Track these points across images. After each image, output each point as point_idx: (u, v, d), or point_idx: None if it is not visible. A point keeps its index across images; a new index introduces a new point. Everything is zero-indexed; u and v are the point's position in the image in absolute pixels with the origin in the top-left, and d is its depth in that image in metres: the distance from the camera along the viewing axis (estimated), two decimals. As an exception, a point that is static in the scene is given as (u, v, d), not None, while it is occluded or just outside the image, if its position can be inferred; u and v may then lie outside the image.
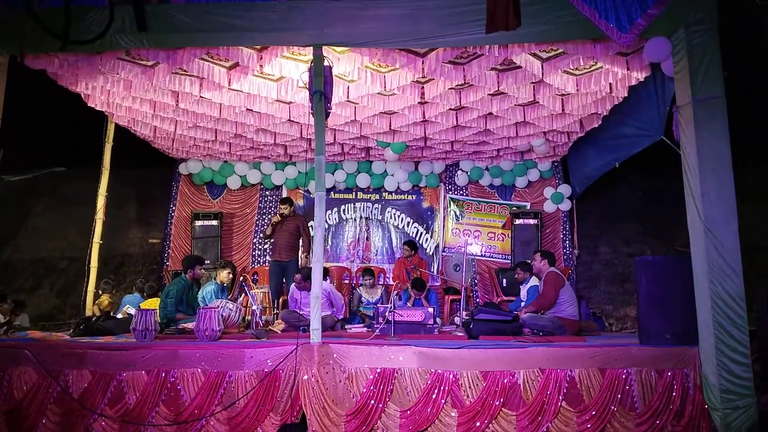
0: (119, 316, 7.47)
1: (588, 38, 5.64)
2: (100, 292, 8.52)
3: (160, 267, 10.12)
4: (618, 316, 9.35)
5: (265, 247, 10.15)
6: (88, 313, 8.15)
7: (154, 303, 7.27)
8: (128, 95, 7.39)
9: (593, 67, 6.57)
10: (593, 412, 4.93)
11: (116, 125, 8.53)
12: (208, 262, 8.90)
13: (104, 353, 5.36)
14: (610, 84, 6.78)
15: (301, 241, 8.44)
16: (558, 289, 6.47)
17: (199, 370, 5.19)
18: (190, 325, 6.25)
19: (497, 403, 4.96)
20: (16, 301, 8.16)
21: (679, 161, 5.26)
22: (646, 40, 5.43)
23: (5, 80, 5.84)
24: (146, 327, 5.81)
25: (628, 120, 7.48)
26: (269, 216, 8.48)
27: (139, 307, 6.73)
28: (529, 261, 7.35)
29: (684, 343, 5.14)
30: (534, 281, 7.24)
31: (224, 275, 7.53)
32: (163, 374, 5.18)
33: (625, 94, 6.94)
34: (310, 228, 8.43)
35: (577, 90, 6.86)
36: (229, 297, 7.45)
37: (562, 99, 7.46)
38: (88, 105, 7.54)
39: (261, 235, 10.06)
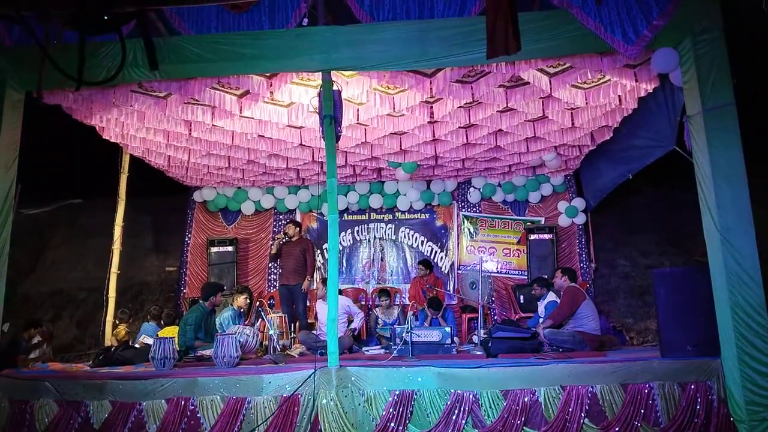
0: (137, 345, 7.50)
1: (595, 52, 5.66)
2: (117, 321, 8.57)
3: (177, 294, 10.17)
4: (639, 330, 9.23)
5: (281, 271, 10.17)
6: (107, 343, 8.19)
7: (172, 331, 7.29)
8: (142, 126, 7.50)
9: (601, 80, 6.58)
10: (617, 429, 4.85)
11: (131, 156, 8.66)
12: (225, 288, 8.93)
13: (124, 383, 5.38)
14: (619, 96, 6.77)
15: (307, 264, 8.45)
16: (575, 301, 6.42)
17: (218, 397, 5.18)
18: (208, 352, 6.27)
19: (519, 422, 4.89)
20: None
21: (693, 171, 5.23)
22: (653, 51, 5.44)
23: (22, 116, 5.95)
24: (165, 355, 5.84)
25: (640, 131, 7.45)
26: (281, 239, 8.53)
27: (157, 335, 6.76)
28: (546, 276, 7.31)
29: (706, 354, 5.06)
30: (552, 296, 7.19)
31: (241, 300, 7.54)
32: (183, 402, 5.18)
33: (635, 106, 6.93)
34: (325, 250, 8.47)
35: (587, 103, 6.87)
36: (246, 322, 7.45)
37: (571, 113, 7.46)
38: (103, 137, 7.65)
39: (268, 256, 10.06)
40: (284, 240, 8.48)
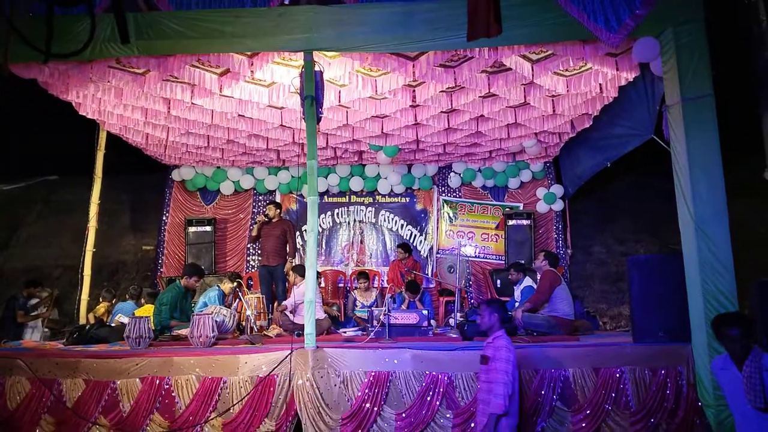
0: (112, 324, 7.45)
1: (577, 39, 5.67)
2: (101, 300, 8.49)
3: (153, 274, 10.09)
4: (612, 315, 9.39)
5: (259, 252, 10.14)
6: (82, 321, 8.12)
7: (147, 310, 7.25)
8: (119, 103, 7.38)
9: (583, 68, 6.61)
10: (588, 412, 4.95)
11: (108, 133, 8.52)
12: (208, 273, 8.89)
13: (98, 361, 5.36)
14: (600, 84, 6.82)
15: (287, 246, 8.42)
16: (553, 286, 6.48)
17: (194, 377, 5.18)
18: (184, 332, 6.24)
19: (492, 404, 4.96)
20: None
21: (670, 160, 5.30)
22: (635, 40, 5.47)
23: (-6, 90, 5.82)
24: (140, 334, 5.81)
25: (619, 120, 7.52)
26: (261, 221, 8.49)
27: (133, 314, 6.71)
28: (523, 261, 7.37)
29: (677, 340, 5.17)
30: (528, 281, 7.26)
31: (228, 287, 7.52)
32: (158, 381, 5.18)
33: (615, 95, 6.99)
34: (304, 232, 8.45)
35: (568, 91, 6.90)
36: (225, 303, 7.43)
37: (552, 100, 7.49)
38: (80, 113, 7.52)
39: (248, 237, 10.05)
40: (264, 221, 8.43)
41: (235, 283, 7.73)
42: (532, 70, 6.41)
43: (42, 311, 8.07)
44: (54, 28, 2.41)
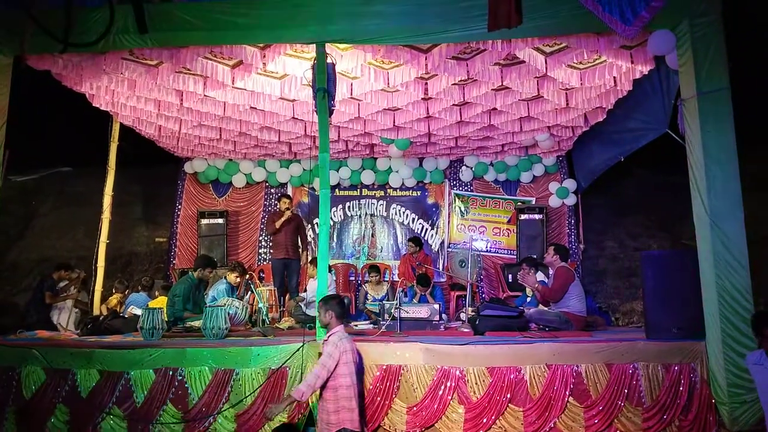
0: (125, 315, 7.50)
1: (592, 32, 5.62)
2: (114, 291, 8.56)
3: (166, 265, 10.15)
4: (624, 311, 9.33)
5: (271, 244, 10.15)
6: (96, 312, 8.18)
7: (161, 302, 7.30)
8: (132, 95, 7.41)
9: (597, 61, 6.55)
10: (600, 408, 4.92)
11: (121, 125, 8.55)
12: (217, 265, 8.90)
13: (112, 352, 5.39)
14: (614, 78, 6.75)
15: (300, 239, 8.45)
16: (567, 284, 6.44)
17: (207, 368, 5.20)
18: (197, 324, 6.28)
19: (504, 399, 4.95)
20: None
21: (685, 154, 5.24)
22: (650, 33, 5.40)
23: (9, 81, 5.85)
24: (153, 326, 5.84)
25: (633, 113, 7.45)
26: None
27: (147, 306, 6.75)
28: (535, 256, 7.33)
29: (691, 337, 5.12)
30: (540, 276, 7.22)
31: (232, 277, 7.54)
32: (171, 372, 5.21)
33: (630, 88, 6.93)
34: (316, 225, 8.48)
35: (582, 84, 6.84)
36: (236, 295, 7.46)
37: (566, 93, 7.43)
38: (93, 105, 7.56)
39: (266, 230, 10.03)
40: (289, 216, 8.35)
41: (247, 275, 7.75)
42: (546, 62, 6.36)
43: (72, 292, 8.17)
44: (71, 20, 2.42)
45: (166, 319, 6.29)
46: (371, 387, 5.05)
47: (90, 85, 7.08)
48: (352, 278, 9.97)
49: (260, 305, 6.69)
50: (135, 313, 6.99)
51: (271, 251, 9.13)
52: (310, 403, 4.99)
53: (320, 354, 4.69)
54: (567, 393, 4.95)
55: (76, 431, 5.16)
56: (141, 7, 5.29)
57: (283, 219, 8.33)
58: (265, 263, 10.15)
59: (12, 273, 9.68)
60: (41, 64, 6.07)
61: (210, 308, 6.02)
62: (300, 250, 8.34)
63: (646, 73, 6.43)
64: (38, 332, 6.79)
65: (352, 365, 4.58)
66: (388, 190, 10.56)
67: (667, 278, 5.50)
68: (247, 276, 7.74)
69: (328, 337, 4.66)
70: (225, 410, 5.07)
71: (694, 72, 5.09)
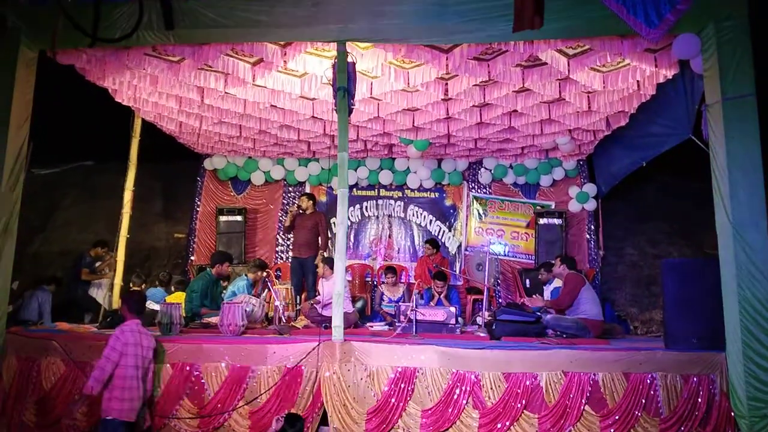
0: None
1: (615, 34, 5.55)
2: (131, 285, 8.63)
3: (185, 261, 10.23)
4: (643, 319, 9.21)
5: (289, 243, 10.19)
6: (115, 305, 8.25)
7: (178, 297, 7.34)
8: (154, 90, 7.47)
9: (620, 64, 6.47)
10: (617, 417, 4.87)
11: (143, 120, 8.61)
12: (234, 260, 8.95)
13: (129, 346, 5.43)
14: (637, 81, 6.66)
15: (319, 238, 8.43)
16: (577, 288, 6.39)
17: (223, 365, 5.24)
18: (214, 320, 6.31)
19: (519, 405, 4.92)
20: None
21: (708, 161, 5.16)
22: (675, 36, 5.33)
23: (35, 75, 5.93)
24: (171, 321, 5.88)
25: (656, 118, 7.35)
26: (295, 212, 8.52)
27: (165, 300, 6.80)
28: (553, 261, 7.27)
29: (711, 348, 5.05)
30: (557, 283, 7.17)
31: (253, 275, 7.58)
32: (188, 368, 5.25)
33: (653, 92, 6.82)
34: (332, 225, 8.46)
35: (604, 87, 6.76)
36: (253, 293, 7.49)
37: (588, 96, 7.36)
38: (116, 100, 7.62)
39: (281, 228, 10.11)
40: (298, 212, 8.45)
41: (265, 273, 7.77)
42: (568, 65, 6.29)
43: (108, 273, 8.38)
44: (100, 14, 2.43)
45: (183, 314, 6.32)
46: (386, 388, 5.04)
47: (113, 80, 7.13)
48: (368, 279, 9.95)
49: (276, 303, 6.71)
50: (152, 308, 7.03)
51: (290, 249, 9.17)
52: (324, 403, 5.00)
53: None
54: (583, 401, 4.91)
55: (93, 422, 5.21)
56: (169, 3, 5.33)
57: (289, 217, 8.43)
58: (282, 261, 10.18)
59: (34, 265, 9.80)
60: (66, 58, 6.13)
61: (227, 305, 6.05)
62: (318, 248, 8.30)
63: (670, 77, 6.33)
64: (58, 324, 6.88)
65: (132, 358, 4.78)
66: (406, 191, 10.52)
67: (687, 287, 5.44)
68: (265, 274, 7.76)
69: (118, 330, 4.86)
70: (240, 407, 5.10)
71: (720, 77, 5.01)
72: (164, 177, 10.66)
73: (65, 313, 7.87)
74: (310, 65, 6.62)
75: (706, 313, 5.14)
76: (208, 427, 5.11)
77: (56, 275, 8.35)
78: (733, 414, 4.75)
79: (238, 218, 10.05)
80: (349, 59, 5.63)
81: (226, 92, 7.32)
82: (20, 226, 5.77)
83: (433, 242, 9.29)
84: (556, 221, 9.61)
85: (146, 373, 4.97)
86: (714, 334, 4.99)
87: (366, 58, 6.25)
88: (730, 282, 4.83)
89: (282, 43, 6.10)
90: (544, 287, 7.47)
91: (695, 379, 4.92)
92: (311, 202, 8.58)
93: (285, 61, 6.34)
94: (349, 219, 10.18)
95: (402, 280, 9.34)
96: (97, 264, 8.43)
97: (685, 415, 4.84)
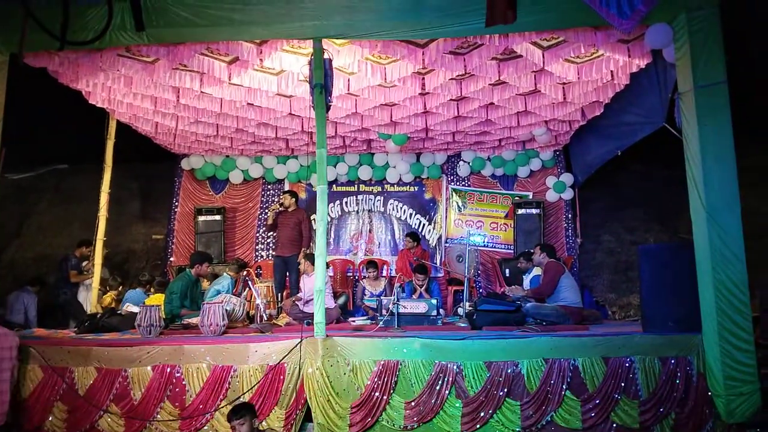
0: (122, 312, 7.49)
1: (589, 26, 5.61)
2: (108, 288, 8.55)
3: (164, 262, 10.14)
4: (621, 304, 9.36)
5: (269, 241, 10.17)
6: (93, 309, 8.17)
7: (158, 299, 7.29)
8: (129, 92, 7.38)
9: (594, 55, 6.54)
10: (597, 401, 4.95)
11: (118, 122, 8.51)
12: (214, 260, 8.91)
13: (110, 350, 5.40)
14: (611, 71, 6.74)
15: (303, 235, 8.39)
16: (557, 276, 6.47)
17: (204, 365, 5.22)
18: (194, 320, 6.28)
19: (501, 393, 4.97)
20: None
21: (682, 148, 5.25)
22: (647, 26, 5.40)
23: (6, 79, 5.84)
24: (151, 323, 5.84)
25: (630, 107, 7.45)
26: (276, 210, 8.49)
27: (144, 303, 6.75)
28: (532, 251, 7.35)
29: (687, 330, 5.14)
30: (537, 271, 7.25)
31: (239, 274, 7.56)
32: (169, 369, 5.22)
33: (627, 82, 6.92)
34: (312, 222, 8.45)
35: (579, 78, 6.83)
36: (233, 292, 7.46)
37: (563, 87, 7.42)
38: (90, 102, 7.53)
39: (263, 227, 10.08)
40: (279, 210, 8.42)
41: (245, 272, 7.75)
42: (543, 57, 6.34)
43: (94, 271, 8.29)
44: (68, 17, 2.41)
45: (163, 316, 6.28)
46: (369, 382, 5.07)
47: (86, 82, 7.05)
48: (350, 274, 9.97)
49: (258, 301, 6.69)
50: (131, 311, 6.98)
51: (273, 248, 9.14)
52: (307, 399, 5.01)
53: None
54: (564, 387, 4.98)
55: (74, 429, 5.17)
56: (138, 5, 5.26)
57: (270, 215, 8.40)
58: (262, 260, 10.14)
59: (9, 271, 9.66)
60: (37, 61, 6.04)
61: (207, 305, 6.02)
62: (301, 246, 8.28)
63: (644, 66, 6.43)
64: (35, 331, 6.80)
65: None
66: (386, 186, 10.54)
67: (663, 272, 5.53)
68: (245, 273, 7.74)
69: None
70: (222, 407, 5.08)
71: (691, 65, 5.10)
72: (141, 178, 10.55)
73: (51, 318, 7.82)
74: (287, 63, 6.59)
75: (682, 296, 5.23)
76: (190, 429, 5.09)
77: (39, 276, 8.26)
78: (710, 393, 4.86)
79: (217, 218, 10.00)
80: (326, 56, 5.62)
81: (202, 91, 7.26)
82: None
83: (413, 235, 9.33)
84: (534, 211, 9.72)
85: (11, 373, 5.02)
86: (690, 316, 5.09)
87: (342, 54, 6.24)
88: (705, 265, 4.93)
89: (257, 41, 6.06)
90: (524, 276, 7.54)
91: (673, 361, 5.01)
92: (293, 199, 8.53)
93: (261, 60, 6.30)
94: (329, 215, 10.18)
95: (383, 274, 9.36)
96: (84, 264, 8.33)
97: (663, 396, 4.93)
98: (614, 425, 4.94)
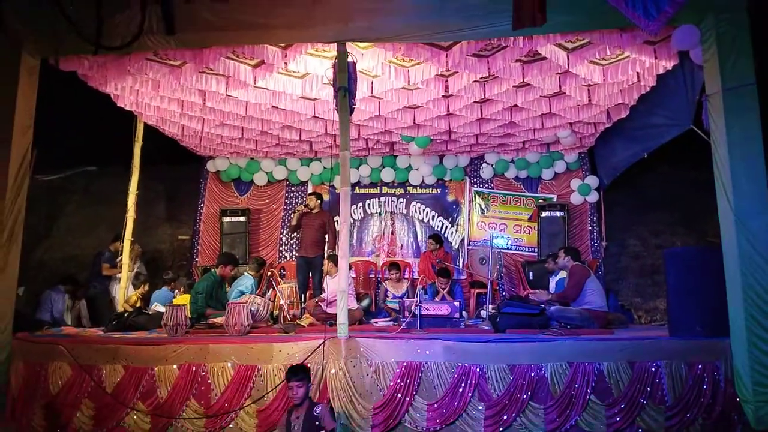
0: (149, 312, 7.60)
1: (614, 27, 5.57)
2: (133, 287, 8.68)
3: (189, 263, 10.27)
4: (647, 309, 9.24)
5: (292, 242, 10.23)
6: (120, 309, 8.30)
7: (184, 299, 7.39)
8: (156, 95, 7.51)
9: (620, 57, 6.49)
10: (622, 406, 4.89)
11: (145, 124, 8.65)
12: (241, 262, 9.00)
13: (137, 348, 5.48)
14: (637, 73, 6.68)
15: (327, 237, 8.43)
16: (582, 280, 6.41)
17: (229, 365, 5.27)
18: (219, 320, 6.35)
19: (525, 396, 4.94)
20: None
21: (710, 151, 5.18)
22: (674, 28, 5.36)
23: (37, 83, 5.97)
24: (177, 322, 5.92)
25: (657, 109, 7.36)
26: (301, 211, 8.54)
27: (171, 303, 6.84)
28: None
29: (715, 335, 5.06)
30: (562, 274, 7.19)
31: (259, 273, 7.63)
32: (194, 368, 5.28)
33: (653, 84, 6.84)
34: (336, 223, 8.48)
35: (604, 80, 6.78)
36: (257, 292, 7.53)
37: (588, 89, 7.37)
38: (118, 105, 7.67)
39: (287, 228, 10.15)
40: (305, 211, 8.46)
41: (270, 273, 7.81)
42: (568, 59, 6.31)
43: (129, 265, 8.44)
44: (103, 21, 2.46)
45: (189, 315, 6.36)
46: (391, 383, 5.07)
47: (114, 85, 7.18)
48: (372, 276, 9.99)
49: (281, 302, 6.75)
50: (158, 310, 7.08)
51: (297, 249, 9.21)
52: (330, 400, 5.03)
53: None
54: (589, 391, 4.93)
55: (101, 426, 5.26)
56: (171, 9, 5.35)
57: (295, 216, 8.42)
58: (286, 261, 10.22)
59: (38, 271, 9.85)
60: (68, 65, 6.18)
61: (232, 305, 6.08)
62: (326, 247, 8.31)
63: (670, 68, 6.36)
64: (64, 329, 6.93)
65: None
66: (408, 188, 10.56)
67: (690, 276, 5.45)
68: (269, 273, 7.80)
69: None
70: (247, 406, 5.13)
71: (719, 67, 5.03)
72: (167, 180, 10.71)
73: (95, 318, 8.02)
74: (311, 66, 6.66)
75: (710, 301, 5.16)
76: (215, 427, 5.14)
77: (72, 275, 8.41)
78: (738, 399, 4.77)
79: (242, 219, 10.10)
80: (350, 59, 5.66)
81: (227, 95, 7.35)
82: (24, 233, 5.81)
83: (436, 237, 9.32)
84: (559, 214, 9.64)
85: None
86: (717, 321, 5.01)
87: (366, 57, 6.27)
88: (733, 270, 4.85)
89: (282, 45, 6.12)
90: (551, 278, 7.48)
91: (700, 366, 4.94)
92: (318, 201, 8.56)
93: (286, 63, 6.38)
94: (351, 217, 10.21)
95: (406, 276, 9.37)
96: (119, 258, 8.48)
97: (690, 402, 4.86)
98: (640, 430, 4.88)
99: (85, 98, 7.30)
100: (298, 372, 4.62)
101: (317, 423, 4.46)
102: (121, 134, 8.60)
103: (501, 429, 4.93)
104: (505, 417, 4.92)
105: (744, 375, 4.68)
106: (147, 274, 9.01)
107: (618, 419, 4.87)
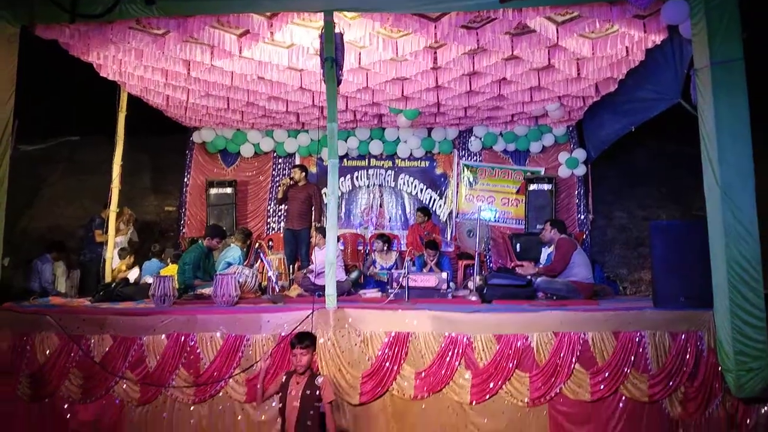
0: (141, 283, 7.58)
1: (604, 1, 5.53)
2: (119, 257, 8.64)
3: (176, 234, 10.23)
4: (632, 280, 9.38)
5: (280, 214, 10.21)
6: (106, 279, 8.26)
7: (171, 270, 7.37)
8: (140, 64, 7.37)
9: (609, 31, 6.46)
10: (606, 374, 4.98)
11: (129, 94, 8.52)
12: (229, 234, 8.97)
13: (125, 318, 5.48)
14: (626, 47, 6.66)
15: (313, 209, 8.44)
16: (569, 253, 6.47)
17: (218, 334, 5.28)
18: (207, 291, 6.36)
19: (511, 365, 5.02)
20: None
21: (697, 125, 5.20)
22: (664, 2, 5.33)
23: (17, 51, 5.84)
24: (164, 293, 5.91)
25: (645, 83, 7.36)
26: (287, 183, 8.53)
27: (158, 273, 6.83)
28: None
29: (698, 306, 5.14)
30: (550, 249, 7.24)
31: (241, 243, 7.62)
32: (183, 338, 5.29)
33: (642, 58, 6.83)
34: (324, 195, 8.47)
35: (593, 54, 6.76)
36: (245, 263, 7.53)
37: (577, 63, 7.35)
38: (101, 74, 7.53)
39: (274, 200, 10.14)
40: (290, 184, 8.45)
41: (257, 244, 7.81)
42: (557, 32, 6.27)
43: (122, 230, 8.47)
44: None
45: (176, 286, 6.35)
46: (379, 353, 5.13)
47: (97, 54, 7.05)
48: (361, 248, 10.02)
49: (270, 273, 6.76)
50: (146, 281, 7.07)
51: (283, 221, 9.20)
52: (319, 369, 5.07)
53: None
54: (573, 360, 5.01)
55: (90, 395, 5.27)
56: None
57: (281, 189, 8.41)
58: (273, 233, 10.21)
59: (21, 241, 9.76)
60: (48, 33, 6.03)
61: (220, 276, 6.08)
62: (312, 219, 8.32)
63: (659, 42, 6.33)
64: (51, 299, 6.89)
65: None
66: (397, 161, 10.55)
67: (675, 248, 5.51)
68: (257, 245, 7.80)
69: None
70: (236, 374, 5.17)
71: (708, 42, 5.01)
72: (152, 151, 10.59)
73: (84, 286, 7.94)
74: (297, 36, 6.56)
75: (694, 272, 5.23)
76: (205, 395, 5.18)
77: (59, 241, 8.33)
78: (720, 369, 4.88)
79: (228, 190, 10.07)
80: (337, 29, 5.58)
81: (212, 65, 7.24)
82: (8, 202, 5.74)
83: (424, 210, 9.35)
84: (546, 186, 9.70)
85: None
86: (701, 292, 5.09)
87: (354, 27, 6.19)
88: (718, 242, 4.90)
89: (268, 14, 6.02)
90: (543, 248, 7.54)
91: (683, 336, 5.03)
92: (303, 173, 8.57)
93: (272, 33, 6.27)
94: (340, 189, 10.20)
95: (394, 248, 9.40)
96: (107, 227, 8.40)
97: (673, 370, 4.95)
98: (623, 398, 4.99)
99: (68, 67, 7.15)
100: (304, 339, 4.62)
101: (317, 393, 4.50)
102: (104, 104, 8.47)
103: (487, 397, 5.01)
104: (491, 385, 5.00)
105: (726, 345, 4.77)
106: (138, 241, 8.98)
107: (602, 387, 4.96)
